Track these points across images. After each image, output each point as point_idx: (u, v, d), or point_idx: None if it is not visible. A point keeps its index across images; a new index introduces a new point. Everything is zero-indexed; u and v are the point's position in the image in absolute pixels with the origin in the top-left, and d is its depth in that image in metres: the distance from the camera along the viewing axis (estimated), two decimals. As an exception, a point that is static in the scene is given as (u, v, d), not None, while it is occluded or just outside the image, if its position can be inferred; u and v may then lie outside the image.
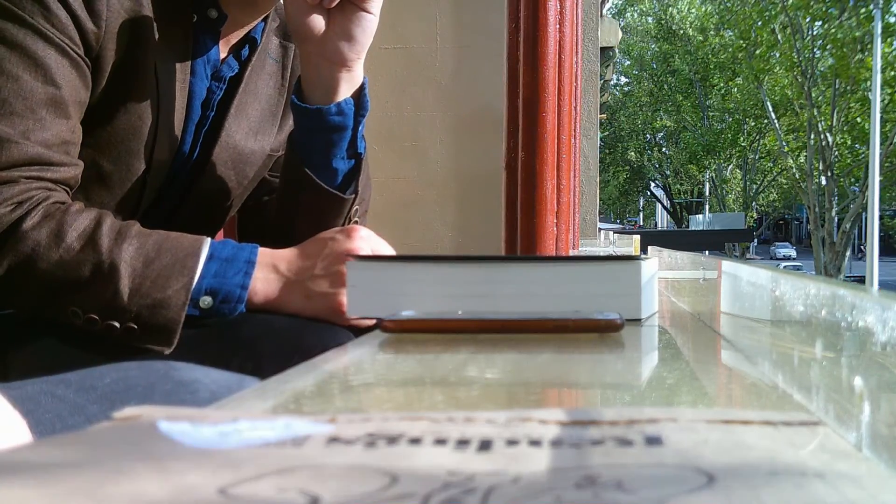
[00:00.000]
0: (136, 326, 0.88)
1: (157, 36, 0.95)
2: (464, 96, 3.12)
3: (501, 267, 0.71)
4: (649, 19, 32.85)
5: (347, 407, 0.40)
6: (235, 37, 1.07)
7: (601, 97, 6.99)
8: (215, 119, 1.07)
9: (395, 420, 0.29)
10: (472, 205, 3.11)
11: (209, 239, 0.93)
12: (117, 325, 0.88)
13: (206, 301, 0.92)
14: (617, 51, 9.05)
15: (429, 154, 3.16)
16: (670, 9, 29.99)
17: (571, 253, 2.26)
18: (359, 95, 1.04)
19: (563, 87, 1.72)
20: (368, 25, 1.00)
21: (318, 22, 0.98)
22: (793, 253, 37.18)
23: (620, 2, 33.60)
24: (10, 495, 0.21)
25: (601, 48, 6.14)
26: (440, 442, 0.26)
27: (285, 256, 0.95)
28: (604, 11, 7.64)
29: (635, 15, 33.91)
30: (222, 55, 1.06)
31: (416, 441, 0.26)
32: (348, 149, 1.06)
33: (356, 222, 1.11)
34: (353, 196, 1.07)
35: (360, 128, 1.06)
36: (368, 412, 0.37)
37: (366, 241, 0.95)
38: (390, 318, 0.62)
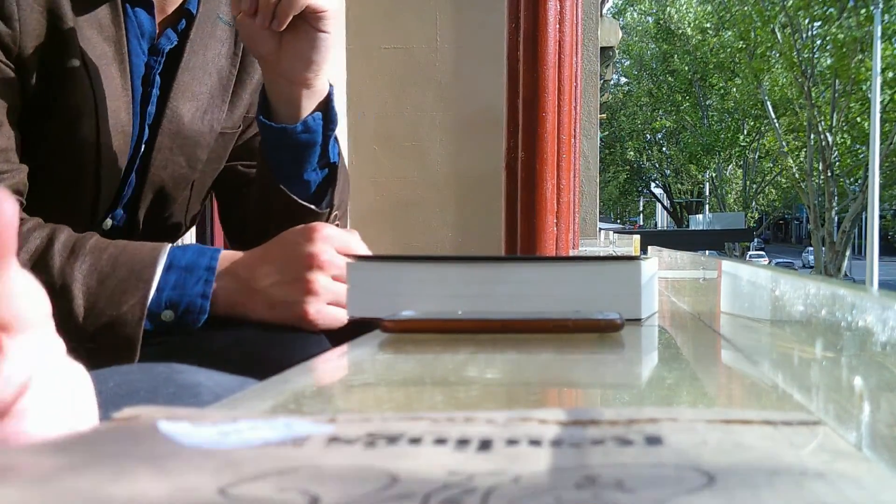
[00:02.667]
0: (95, 346, 0.84)
1: (81, 19, 0.90)
2: (464, 96, 3.13)
3: (501, 267, 0.71)
4: (649, 19, 32.87)
5: (347, 407, 0.40)
6: (172, 5, 1.01)
7: (601, 97, 6.99)
8: (160, 99, 1.02)
9: (395, 420, 0.29)
10: (472, 205, 3.11)
11: (168, 246, 0.89)
12: (77, 346, 0.85)
13: (167, 315, 0.87)
14: (617, 51, 9.05)
15: (429, 154, 3.16)
16: (668, 8, 30.00)
17: (571, 253, 2.25)
18: (326, 108, 1.01)
19: (563, 87, 1.72)
20: (323, 45, 0.96)
21: (271, 43, 0.95)
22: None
23: (620, 2, 33.65)
24: (11, 496, 0.21)
25: (601, 48, 6.14)
26: (440, 442, 0.26)
27: (247, 262, 0.90)
28: (604, 11, 7.65)
29: (635, 15, 33.93)
30: (158, 28, 1.00)
31: (416, 441, 0.26)
32: (320, 160, 1.02)
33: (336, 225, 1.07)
34: (329, 209, 1.03)
35: (330, 140, 1.02)
36: (368, 412, 0.37)
37: (328, 242, 0.89)
38: (390, 318, 0.62)
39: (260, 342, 0.88)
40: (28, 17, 0.87)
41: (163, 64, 1.00)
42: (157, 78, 1.00)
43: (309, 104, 0.99)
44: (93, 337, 0.84)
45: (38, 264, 0.84)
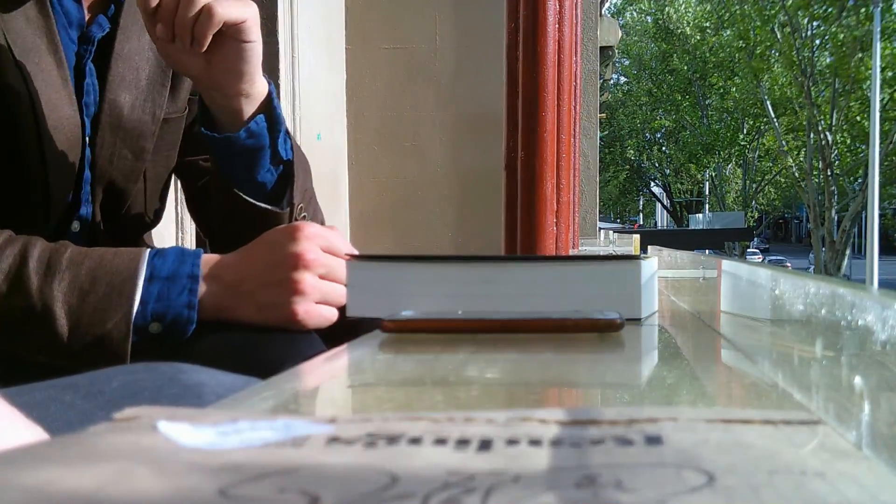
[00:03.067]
0: (82, 364, 0.83)
1: (8, 15, 0.87)
2: (464, 96, 3.13)
3: (501, 267, 0.71)
4: (648, 19, 32.88)
5: (347, 407, 0.40)
6: None
7: (601, 96, 6.99)
8: (102, 93, 0.98)
9: (395, 420, 0.29)
10: (472, 205, 3.11)
11: (146, 255, 0.86)
12: (66, 364, 0.84)
13: (154, 327, 0.85)
14: (616, 50, 9.05)
15: (429, 154, 3.16)
16: (667, 8, 30.01)
17: (571, 253, 2.25)
18: (269, 108, 0.98)
19: (563, 86, 1.72)
20: (250, 54, 0.92)
21: (198, 62, 0.91)
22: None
23: (619, 1, 33.66)
24: (11, 496, 0.21)
25: (601, 48, 6.14)
26: (440, 442, 0.26)
27: (231, 265, 0.88)
28: (603, 11, 7.65)
29: (634, 14, 33.93)
30: (87, 15, 0.97)
31: (416, 441, 0.26)
32: (272, 160, 1.00)
33: (303, 218, 1.04)
34: (290, 208, 1.01)
35: (279, 139, 0.99)
36: (368, 412, 0.37)
37: (312, 240, 0.87)
38: (390, 318, 0.62)
39: (250, 344, 0.87)
40: None
41: (94, 53, 0.97)
42: (91, 67, 0.97)
43: (249, 108, 0.97)
44: (79, 356, 0.82)
45: (15, 286, 0.80)
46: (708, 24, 28.27)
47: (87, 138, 0.97)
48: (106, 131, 0.98)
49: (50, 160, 0.92)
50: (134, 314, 0.83)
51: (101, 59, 0.97)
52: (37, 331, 0.81)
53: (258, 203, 0.99)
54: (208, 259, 0.88)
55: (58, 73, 0.91)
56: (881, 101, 19.04)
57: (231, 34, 0.90)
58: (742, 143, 28.79)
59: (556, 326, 0.61)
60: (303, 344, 0.85)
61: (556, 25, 1.60)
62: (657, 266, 0.79)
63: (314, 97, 2.78)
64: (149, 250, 0.87)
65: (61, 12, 0.93)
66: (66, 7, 0.93)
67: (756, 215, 34.61)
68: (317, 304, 0.87)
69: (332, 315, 0.88)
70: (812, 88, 20.67)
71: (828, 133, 20.54)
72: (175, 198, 1.97)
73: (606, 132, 30.65)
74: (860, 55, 19.61)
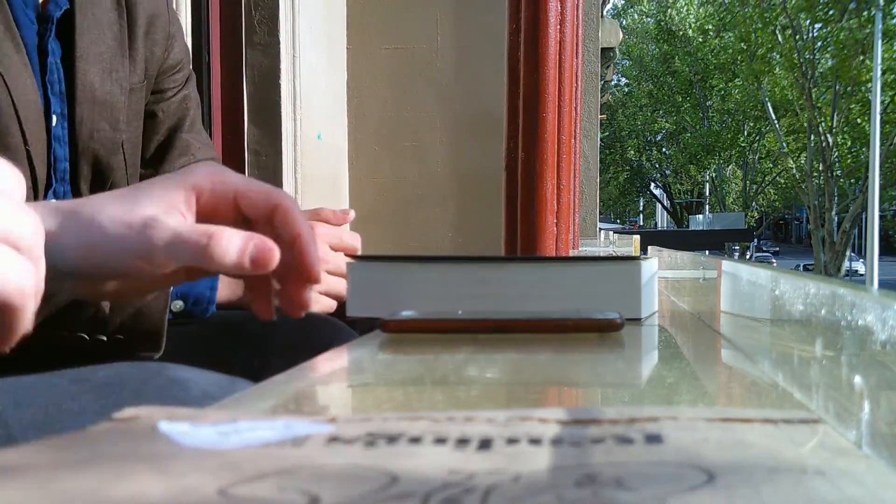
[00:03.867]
0: (122, 337, 0.88)
1: None
2: (464, 96, 3.13)
3: (501, 267, 0.71)
4: (649, 20, 32.89)
5: (347, 407, 0.40)
6: None
7: (601, 98, 6.98)
8: (67, 69, 0.98)
9: (394, 420, 0.29)
10: (472, 205, 3.11)
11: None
12: (104, 338, 0.88)
13: (177, 305, 0.92)
14: (617, 52, 9.05)
15: (429, 154, 3.16)
16: (669, 10, 30.02)
17: (571, 253, 2.25)
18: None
19: (564, 87, 1.72)
20: None
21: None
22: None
23: (621, 2, 33.67)
24: (11, 496, 0.21)
25: (602, 49, 6.14)
26: (440, 441, 0.26)
27: None
28: (604, 12, 7.65)
29: (635, 16, 33.94)
30: None
31: (415, 440, 0.26)
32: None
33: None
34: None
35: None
36: (368, 412, 0.37)
37: (322, 238, 0.94)
38: (390, 318, 0.62)
39: (296, 330, 0.93)
40: None
41: (53, 31, 0.97)
42: (54, 45, 0.97)
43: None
44: (119, 328, 0.87)
45: None
46: (709, 27, 28.27)
47: (65, 117, 0.99)
48: (83, 107, 0.99)
49: (29, 139, 0.93)
50: (172, 288, 0.88)
51: (62, 36, 0.98)
52: (81, 306, 0.85)
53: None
54: None
55: (17, 56, 0.92)
56: (882, 103, 19.04)
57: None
58: (743, 145, 28.78)
59: (556, 326, 0.61)
60: (347, 336, 0.94)
61: (558, 26, 1.60)
62: (657, 266, 0.79)
63: (314, 97, 2.78)
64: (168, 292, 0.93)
65: None
66: None
67: (756, 216, 34.62)
68: (320, 294, 0.98)
69: (331, 305, 0.99)
70: (813, 90, 20.67)
71: (828, 135, 20.54)
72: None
73: (607, 133, 30.65)
74: (861, 57, 19.60)
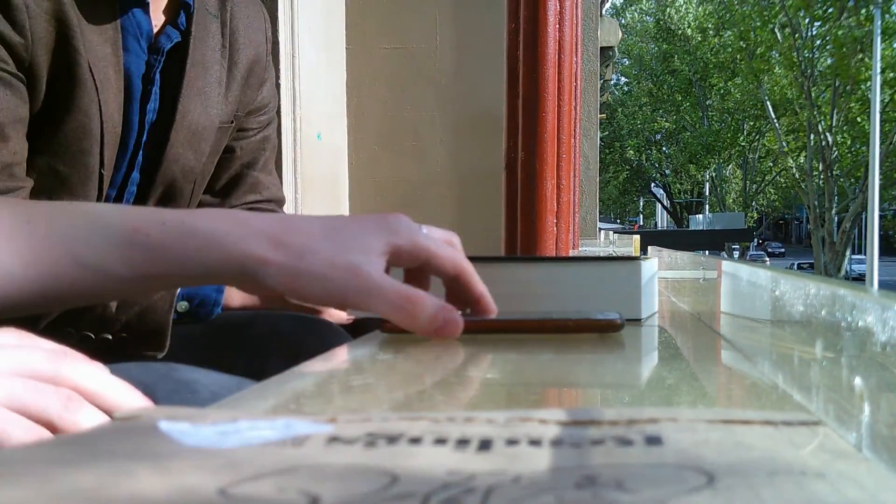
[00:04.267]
0: (127, 335, 0.89)
1: (82, 23, 0.90)
2: (464, 96, 3.12)
3: (502, 267, 0.71)
4: (648, 19, 32.88)
5: (347, 407, 0.40)
6: (163, 2, 1.01)
7: (601, 97, 6.98)
8: (166, 97, 1.02)
9: (395, 420, 0.29)
10: (472, 205, 3.11)
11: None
12: (110, 336, 0.89)
13: (182, 305, 0.94)
14: (617, 51, 9.05)
15: (429, 154, 3.16)
16: (668, 9, 30.01)
17: (571, 253, 2.25)
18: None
19: (563, 86, 1.72)
20: None
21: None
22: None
23: (620, 1, 33.66)
24: (11, 496, 0.21)
25: (601, 48, 6.14)
26: (440, 442, 0.26)
27: None
28: (603, 11, 7.65)
29: (635, 15, 33.93)
30: (156, 25, 1.00)
31: (416, 441, 0.26)
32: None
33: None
34: None
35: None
36: (368, 412, 0.37)
37: None
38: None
39: (296, 332, 0.96)
40: (37, 25, 0.87)
41: (163, 62, 1.00)
42: (158, 76, 1.01)
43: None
44: (125, 327, 0.89)
45: None
46: (709, 25, 28.26)
47: (153, 140, 1.02)
48: (179, 133, 1.03)
49: (106, 163, 0.96)
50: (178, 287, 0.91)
51: (171, 66, 1.01)
52: (90, 306, 0.88)
53: None
54: None
55: (115, 81, 0.95)
56: (881, 101, 19.04)
57: None
58: (742, 144, 28.80)
59: (555, 327, 0.61)
60: (344, 340, 0.95)
61: (557, 26, 1.60)
62: (657, 267, 0.79)
63: (314, 97, 2.78)
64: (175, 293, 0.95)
65: (134, 23, 0.96)
66: (138, 19, 0.97)
67: (756, 216, 34.62)
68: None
69: (343, 317, 1.03)
70: (812, 89, 20.67)
71: (828, 134, 20.54)
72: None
73: (607, 133, 30.65)
74: (860, 56, 19.60)
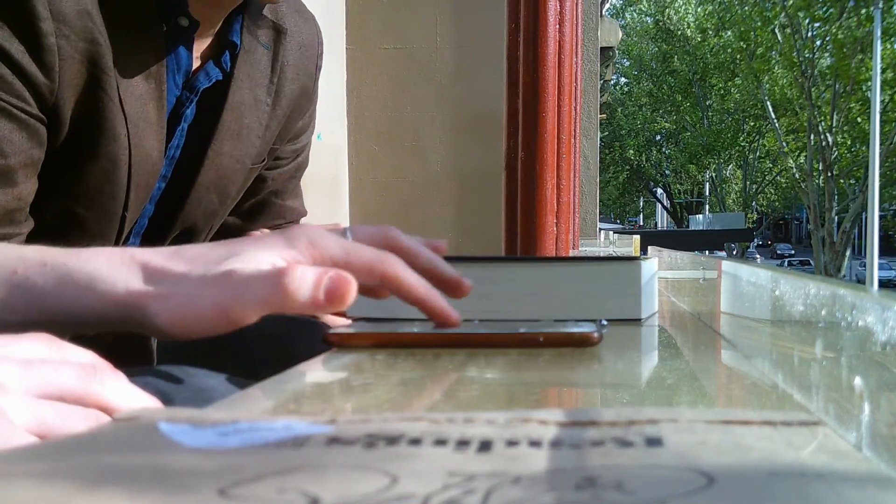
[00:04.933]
0: (112, 348, 0.88)
1: (124, 59, 0.87)
2: (464, 96, 3.12)
3: (501, 267, 0.71)
4: (648, 19, 32.89)
5: (347, 407, 0.40)
6: (208, 38, 0.97)
7: (601, 97, 6.98)
8: (195, 136, 0.98)
9: (395, 420, 0.29)
10: (472, 205, 3.11)
11: None
12: (95, 344, 0.88)
13: None
14: (617, 51, 9.05)
15: (429, 154, 3.16)
16: (667, 9, 30.02)
17: (571, 253, 2.25)
18: None
19: (563, 87, 1.72)
20: None
21: None
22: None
23: (620, 2, 33.66)
24: (11, 496, 0.21)
25: (601, 48, 6.14)
26: (440, 442, 0.26)
27: None
28: (603, 11, 7.65)
29: (634, 15, 33.93)
30: (196, 61, 0.97)
31: (416, 441, 0.26)
32: None
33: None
34: None
35: None
36: (368, 412, 0.37)
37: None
38: (335, 331, 0.59)
39: (290, 334, 0.93)
40: (67, 67, 0.83)
41: (195, 102, 0.97)
42: (189, 112, 0.98)
43: None
44: (112, 340, 0.86)
45: None
46: (709, 26, 28.27)
47: (178, 180, 0.99)
48: (205, 176, 1.00)
49: (131, 203, 0.93)
50: None
51: (207, 105, 0.98)
52: None
53: None
54: None
55: (156, 118, 0.92)
56: (881, 102, 19.04)
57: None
58: (742, 144, 28.80)
59: (524, 341, 0.57)
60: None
61: (557, 26, 1.60)
62: (657, 267, 0.79)
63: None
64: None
65: (173, 57, 0.93)
66: (179, 53, 0.94)
67: (755, 216, 34.62)
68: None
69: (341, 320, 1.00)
70: (812, 89, 20.67)
71: (828, 134, 20.54)
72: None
73: (606, 133, 30.65)
74: (860, 56, 19.60)
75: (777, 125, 23.74)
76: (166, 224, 1.01)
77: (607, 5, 10.37)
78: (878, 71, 18.04)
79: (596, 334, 0.56)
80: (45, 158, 0.86)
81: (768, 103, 23.39)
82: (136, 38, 0.88)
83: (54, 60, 0.82)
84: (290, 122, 1.10)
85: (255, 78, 1.02)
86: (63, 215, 0.91)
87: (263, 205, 1.15)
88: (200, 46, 0.97)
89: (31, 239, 0.87)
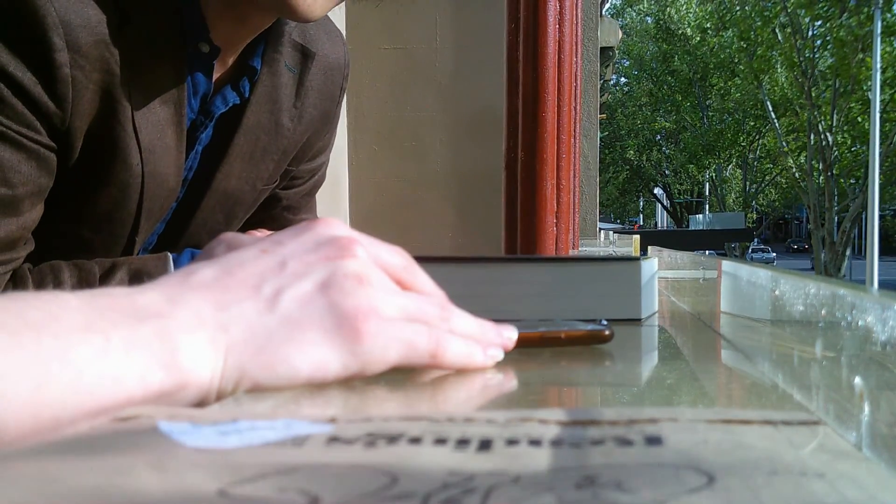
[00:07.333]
0: None
1: (142, 85, 0.87)
2: (464, 96, 3.12)
3: (501, 267, 0.71)
4: (648, 19, 32.89)
5: (347, 407, 0.40)
6: (228, 62, 0.97)
7: (601, 97, 6.98)
8: (206, 158, 0.98)
9: (395, 420, 0.29)
10: (472, 205, 3.11)
11: (169, 256, 0.91)
12: None
13: None
14: (617, 51, 9.05)
15: (429, 154, 3.16)
16: (668, 9, 30.02)
17: (571, 253, 2.25)
18: None
19: (563, 87, 1.72)
20: None
21: None
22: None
23: (620, 2, 33.67)
24: (11, 496, 0.21)
25: (601, 48, 6.14)
26: (440, 442, 0.26)
27: None
28: (603, 11, 7.65)
29: (634, 15, 33.94)
30: (214, 84, 0.96)
31: (416, 441, 0.26)
32: None
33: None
34: None
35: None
36: (368, 412, 0.37)
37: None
38: None
39: None
40: (81, 98, 0.83)
41: (211, 126, 0.97)
42: (204, 136, 0.97)
43: None
44: None
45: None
46: (708, 25, 28.26)
47: (182, 201, 0.99)
48: (212, 198, 1.00)
49: (141, 228, 0.93)
50: None
51: (221, 128, 0.98)
52: None
53: None
54: None
55: (175, 143, 0.92)
56: (882, 101, 19.04)
57: None
58: (742, 144, 28.80)
59: (544, 340, 0.56)
60: None
61: (557, 26, 1.60)
62: (657, 267, 0.79)
63: (314, 97, 2.77)
64: (168, 253, 0.91)
65: (191, 81, 0.93)
66: (197, 78, 0.93)
67: (755, 216, 34.63)
68: None
69: None
70: (813, 89, 20.66)
71: (828, 134, 20.54)
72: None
73: (606, 133, 30.65)
74: (861, 55, 19.59)
75: (777, 125, 23.74)
76: (170, 242, 1.01)
77: (607, 5, 10.38)
78: (879, 70, 18.04)
79: (608, 331, 0.57)
80: (54, 183, 0.86)
81: (768, 103, 23.38)
82: (158, 63, 0.88)
83: (67, 91, 0.81)
84: (308, 144, 1.09)
85: (278, 101, 1.01)
86: (69, 237, 0.91)
87: (274, 219, 1.14)
88: (219, 70, 0.96)
89: (36, 260, 0.88)
